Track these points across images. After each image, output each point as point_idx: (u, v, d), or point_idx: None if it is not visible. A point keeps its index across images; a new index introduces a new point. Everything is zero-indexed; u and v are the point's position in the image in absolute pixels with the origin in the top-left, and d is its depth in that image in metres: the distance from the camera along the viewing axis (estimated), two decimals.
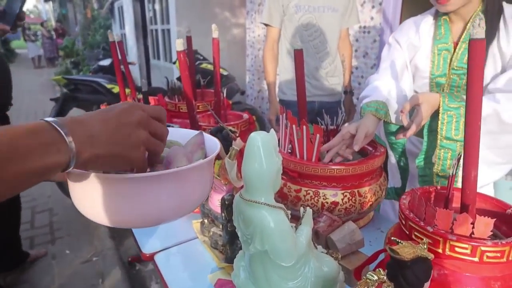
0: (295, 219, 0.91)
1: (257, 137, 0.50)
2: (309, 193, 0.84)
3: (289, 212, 0.55)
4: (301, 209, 0.57)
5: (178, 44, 0.85)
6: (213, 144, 0.58)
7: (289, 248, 0.51)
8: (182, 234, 0.93)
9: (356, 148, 0.89)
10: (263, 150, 0.50)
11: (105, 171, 0.45)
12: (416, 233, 0.59)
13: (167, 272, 0.79)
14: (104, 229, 2.34)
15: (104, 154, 0.40)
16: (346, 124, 0.97)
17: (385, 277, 0.37)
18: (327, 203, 0.83)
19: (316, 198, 0.83)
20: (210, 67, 3.50)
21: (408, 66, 1.11)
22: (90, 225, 2.37)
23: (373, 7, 2.51)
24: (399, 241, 0.39)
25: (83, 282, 1.90)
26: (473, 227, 0.55)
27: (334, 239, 0.71)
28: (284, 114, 0.91)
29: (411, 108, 0.90)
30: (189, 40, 1.38)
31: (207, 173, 0.53)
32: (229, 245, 0.77)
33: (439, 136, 0.92)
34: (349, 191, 0.83)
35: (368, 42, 2.58)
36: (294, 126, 0.86)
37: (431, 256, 0.35)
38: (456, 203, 0.67)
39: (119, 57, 1.35)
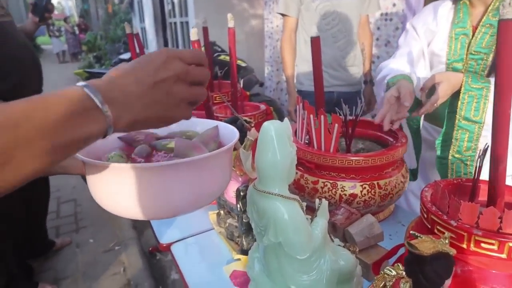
0: (312, 211, 0.90)
1: (270, 126, 0.48)
2: (326, 185, 0.82)
3: (304, 204, 0.54)
4: (317, 200, 0.56)
5: (193, 34, 0.84)
6: (231, 133, 0.56)
7: (303, 241, 0.50)
8: (198, 225, 0.93)
9: (408, 104, 0.87)
10: (277, 140, 0.48)
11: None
12: (438, 227, 0.57)
13: (184, 262, 0.79)
14: (126, 219, 2.39)
15: (142, 118, 0.38)
16: (387, 92, 0.95)
17: (403, 273, 0.35)
18: (345, 195, 0.81)
19: (334, 190, 0.81)
20: (228, 58, 3.49)
21: (425, 53, 1.08)
22: (112, 215, 2.41)
23: None
24: (419, 235, 0.36)
25: (105, 270, 1.95)
26: (501, 222, 0.52)
27: (352, 232, 0.69)
28: (301, 104, 0.89)
29: (431, 85, 0.88)
30: (205, 31, 1.37)
31: (223, 163, 0.51)
32: (245, 237, 0.76)
33: (457, 116, 0.91)
34: (368, 183, 0.81)
35: (390, 30, 2.49)
36: (311, 116, 0.83)
37: (453, 251, 0.33)
38: (482, 196, 0.64)
39: (137, 49, 1.35)
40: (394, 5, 2.44)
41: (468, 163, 0.97)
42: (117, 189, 0.43)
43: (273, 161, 0.49)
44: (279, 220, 0.49)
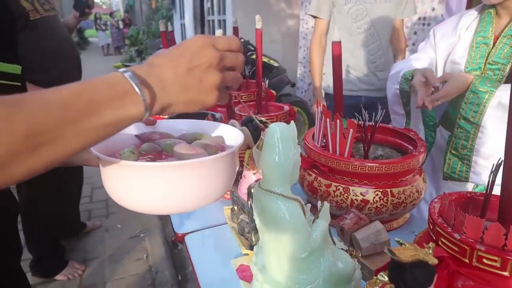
0: None
1: (276, 128, 0.51)
2: (339, 189, 0.83)
3: (309, 205, 0.55)
4: (319, 203, 0.57)
5: (218, 34, 0.87)
6: (236, 136, 0.58)
7: (301, 240, 0.52)
8: (214, 219, 0.97)
9: (438, 84, 0.94)
10: (281, 142, 0.50)
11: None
12: (442, 239, 0.56)
13: (195, 253, 0.83)
14: None
15: (177, 102, 0.40)
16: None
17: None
18: (356, 200, 0.81)
19: (345, 194, 0.82)
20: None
21: (437, 65, 1.11)
22: None
23: None
24: (403, 242, 0.37)
25: (130, 255, 2.05)
26: (506, 239, 0.51)
27: (358, 238, 0.69)
28: (320, 108, 0.90)
29: (441, 82, 0.93)
30: (235, 31, 1.40)
31: (220, 167, 0.52)
32: (254, 233, 0.78)
33: (458, 115, 0.96)
34: (381, 190, 0.80)
35: (426, 36, 2.41)
36: (327, 119, 0.84)
37: (433, 261, 0.33)
38: (494, 212, 0.62)
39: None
40: (433, 9, 2.36)
41: (464, 162, 1.02)
42: (122, 183, 0.46)
43: (276, 162, 0.51)
44: (279, 218, 0.51)
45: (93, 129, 0.34)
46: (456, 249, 0.53)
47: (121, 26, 13.76)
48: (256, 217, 0.57)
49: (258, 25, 1.15)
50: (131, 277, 1.88)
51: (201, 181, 0.47)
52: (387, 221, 0.87)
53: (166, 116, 0.77)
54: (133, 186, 0.45)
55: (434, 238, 0.58)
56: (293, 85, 3.87)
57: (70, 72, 1.62)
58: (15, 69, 0.43)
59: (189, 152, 0.48)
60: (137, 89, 0.37)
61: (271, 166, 0.51)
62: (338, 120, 0.81)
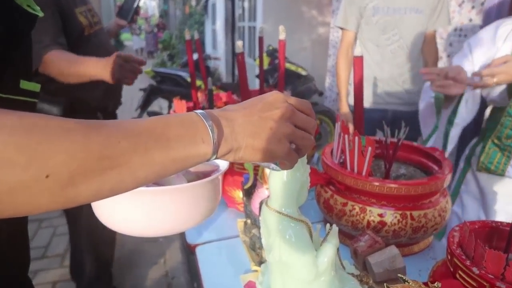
0: (340, 233, 0.88)
1: None
2: (355, 208, 0.80)
3: (319, 226, 0.54)
4: (327, 225, 0.55)
5: (238, 47, 0.88)
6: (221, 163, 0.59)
7: (307, 264, 0.50)
8: (228, 231, 0.96)
9: (451, 74, 0.96)
10: None
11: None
12: (460, 272, 0.53)
13: (205, 265, 0.83)
14: None
15: (245, 146, 0.41)
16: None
17: None
18: (373, 221, 0.78)
19: (362, 214, 0.79)
20: (289, 66, 3.52)
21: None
22: None
23: (473, 7, 2.25)
24: (407, 279, 0.35)
25: (147, 259, 2.09)
26: None
27: (371, 262, 0.67)
28: (339, 123, 0.88)
29: (500, 63, 0.92)
30: (260, 41, 1.40)
31: (200, 193, 0.53)
32: (264, 249, 0.77)
33: (510, 103, 0.94)
34: (400, 212, 0.77)
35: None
36: (346, 136, 0.82)
37: None
38: None
39: (200, 54, 1.43)
40: (470, 20, 2.27)
41: (505, 153, 0.99)
42: (105, 205, 0.48)
43: (282, 183, 0.50)
44: (284, 239, 0.50)
45: (161, 162, 0.35)
46: (475, 284, 0.50)
47: (155, 30, 14.22)
48: (262, 235, 0.57)
49: (282, 36, 1.15)
50: (147, 282, 1.91)
51: (176, 207, 0.48)
52: (406, 245, 0.83)
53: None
54: (116, 209, 0.46)
55: (452, 270, 0.56)
56: (321, 94, 3.83)
57: (117, 86, 1.63)
58: (35, 87, 0.45)
59: (171, 177, 0.49)
60: (208, 128, 0.38)
61: (278, 185, 0.50)
62: (356, 137, 0.78)
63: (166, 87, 2.89)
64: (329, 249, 0.53)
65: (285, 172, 0.49)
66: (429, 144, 1.22)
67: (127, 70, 1.26)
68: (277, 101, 0.43)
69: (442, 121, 1.15)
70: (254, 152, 0.41)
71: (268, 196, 0.78)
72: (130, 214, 0.47)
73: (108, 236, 1.70)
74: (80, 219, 1.55)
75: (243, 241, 0.90)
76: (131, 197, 0.44)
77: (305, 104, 0.46)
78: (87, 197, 0.31)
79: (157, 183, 0.49)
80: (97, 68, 1.27)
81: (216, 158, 0.40)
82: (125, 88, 1.62)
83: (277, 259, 0.52)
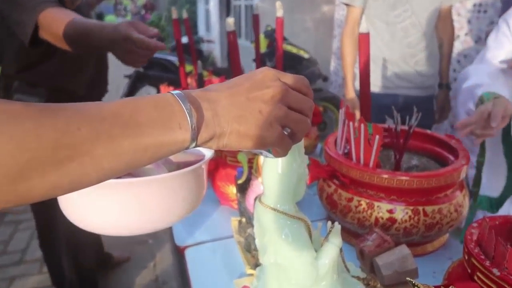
0: (348, 233, 0.87)
1: None
2: (361, 204, 0.79)
3: (320, 224, 0.52)
4: (328, 223, 0.54)
5: (228, 24, 0.86)
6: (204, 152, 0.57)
7: (306, 266, 0.49)
8: (220, 231, 0.96)
9: (494, 124, 0.85)
10: None
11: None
12: (479, 274, 0.52)
13: (195, 269, 0.82)
14: None
15: (230, 131, 0.39)
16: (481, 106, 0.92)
17: None
18: (382, 218, 0.77)
19: (369, 211, 0.78)
20: (289, 48, 3.49)
21: None
22: None
23: None
24: (417, 284, 0.33)
25: (136, 263, 2.09)
26: None
27: (379, 264, 0.65)
28: (343, 109, 0.87)
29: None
30: (255, 19, 1.38)
31: (181, 184, 0.52)
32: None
33: None
34: (411, 207, 0.76)
35: (483, 25, 2.29)
36: (351, 123, 0.80)
37: None
38: None
39: (190, 35, 1.40)
40: None
41: None
42: (71, 199, 0.46)
43: (278, 175, 0.48)
44: (279, 240, 0.49)
45: (130, 151, 0.33)
46: (495, 287, 0.49)
47: (142, 12, 14.10)
48: (256, 235, 0.55)
49: (279, 13, 1.13)
50: (136, 287, 1.91)
51: (153, 201, 0.46)
52: (419, 243, 0.82)
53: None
54: (82, 204, 0.45)
55: (469, 271, 0.54)
56: (326, 79, 3.81)
57: (102, 72, 1.59)
58: None
59: (149, 167, 0.47)
60: (185, 112, 0.36)
61: (272, 179, 0.49)
62: (362, 124, 0.77)
63: (153, 73, 2.86)
64: (331, 249, 0.51)
65: (279, 164, 0.48)
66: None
67: (137, 55, 1.13)
68: (267, 79, 0.41)
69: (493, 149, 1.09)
70: (240, 139, 0.39)
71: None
72: (99, 209, 0.46)
73: (90, 238, 1.69)
74: (55, 218, 1.52)
75: (237, 242, 0.88)
76: (99, 190, 0.42)
77: (300, 81, 0.44)
78: (43, 192, 0.30)
79: (134, 175, 0.48)
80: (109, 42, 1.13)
81: (197, 145, 0.38)
82: (109, 75, 1.60)
83: (272, 262, 0.50)
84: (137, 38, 0.96)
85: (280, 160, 0.48)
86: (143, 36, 0.97)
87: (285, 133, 0.42)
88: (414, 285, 0.34)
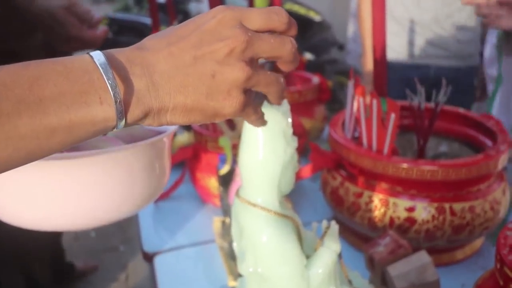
0: (356, 236, 0.87)
1: None
2: (373, 201, 0.79)
3: (316, 224, 0.52)
4: (324, 222, 0.53)
5: None
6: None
7: (292, 277, 0.49)
8: (201, 234, 0.96)
9: None
10: (265, 132, 0.47)
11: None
12: None
13: (165, 279, 0.82)
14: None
15: (173, 106, 0.36)
16: None
17: None
18: (398, 218, 0.77)
19: (383, 209, 0.78)
20: (296, 8, 3.46)
21: None
22: None
23: None
24: None
25: (105, 275, 2.12)
26: None
27: (392, 274, 0.65)
28: (352, 81, 0.86)
29: None
30: None
31: (137, 163, 0.51)
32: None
33: None
34: (435, 205, 0.76)
35: None
36: (361, 99, 0.80)
37: None
38: None
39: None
40: None
41: None
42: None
43: (258, 161, 0.48)
44: (259, 243, 0.49)
45: (29, 134, 0.31)
46: None
47: None
48: (233, 238, 0.55)
49: None
50: None
51: (96, 186, 0.46)
52: (445, 250, 0.83)
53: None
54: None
55: (502, 284, 0.54)
56: (342, 47, 3.78)
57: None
58: None
59: (101, 143, 0.47)
60: (107, 82, 0.33)
61: (251, 166, 0.49)
62: (374, 100, 0.76)
63: (125, 39, 2.85)
64: (326, 255, 0.51)
65: (260, 147, 0.47)
66: (495, 105, 1.19)
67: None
68: (222, 26, 0.36)
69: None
70: (187, 114, 0.37)
71: None
72: (25, 198, 0.46)
73: (42, 244, 1.70)
74: None
75: (219, 248, 0.89)
76: (24, 173, 0.42)
77: (274, 18, 0.39)
78: None
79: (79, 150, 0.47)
80: None
81: (128, 125, 0.36)
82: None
83: (252, 271, 0.50)
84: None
85: (260, 143, 0.47)
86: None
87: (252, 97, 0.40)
88: None
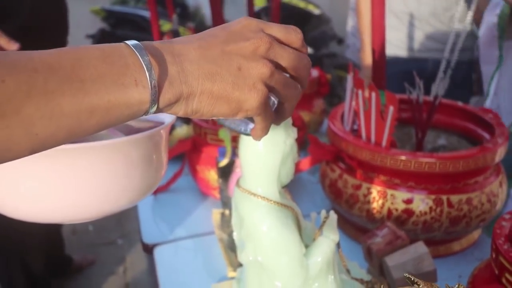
0: (356, 229, 0.88)
1: None
2: (371, 193, 0.80)
3: (314, 214, 0.53)
4: (322, 212, 0.54)
5: None
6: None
7: (292, 265, 0.50)
8: (200, 225, 0.97)
9: None
10: None
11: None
12: (508, 276, 0.53)
13: (165, 272, 0.83)
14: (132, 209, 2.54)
15: (200, 92, 0.38)
16: None
17: None
18: (396, 210, 0.78)
19: (381, 200, 0.79)
20: (296, 1, 3.46)
21: None
22: None
23: None
24: (416, 280, 0.34)
25: (103, 268, 2.12)
26: None
27: (389, 264, 0.66)
28: (351, 74, 0.87)
29: None
30: None
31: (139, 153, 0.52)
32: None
33: None
34: (433, 197, 0.77)
35: None
36: (360, 92, 0.80)
37: None
38: None
39: None
40: None
41: None
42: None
43: (258, 152, 0.49)
44: (259, 233, 0.50)
45: (71, 112, 0.32)
46: None
47: None
48: (234, 228, 0.56)
49: None
50: None
51: (94, 176, 0.47)
52: (442, 241, 0.84)
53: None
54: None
55: (497, 272, 0.55)
56: (341, 41, 3.78)
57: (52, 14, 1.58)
58: None
59: (100, 134, 0.47)
60: (143, 64, 0.35)
61: (251, 157, 0.50)
62: (373, 93, 0.77)
63: (123, 32, 2.84)
64: (324, 244, 0.52)
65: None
66: (492, 90, 1.18)
67: None
68: (247, 30, 0.40)
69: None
70: (214, 101, 0.38)
71: None
72: (19, 187, 0.46)
73: (38, 236, 1.70)
74: None
75: (219, 239, 0.90)
76: (15, 163, 0.42)
77: (291, 32, 0.43)
78: None
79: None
80: None
81: (159, 110, 0.37)
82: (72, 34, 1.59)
83: (252, 260, 0.51)
84: None
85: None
86: None
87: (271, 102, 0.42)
88: (413, 282, 0.34)
